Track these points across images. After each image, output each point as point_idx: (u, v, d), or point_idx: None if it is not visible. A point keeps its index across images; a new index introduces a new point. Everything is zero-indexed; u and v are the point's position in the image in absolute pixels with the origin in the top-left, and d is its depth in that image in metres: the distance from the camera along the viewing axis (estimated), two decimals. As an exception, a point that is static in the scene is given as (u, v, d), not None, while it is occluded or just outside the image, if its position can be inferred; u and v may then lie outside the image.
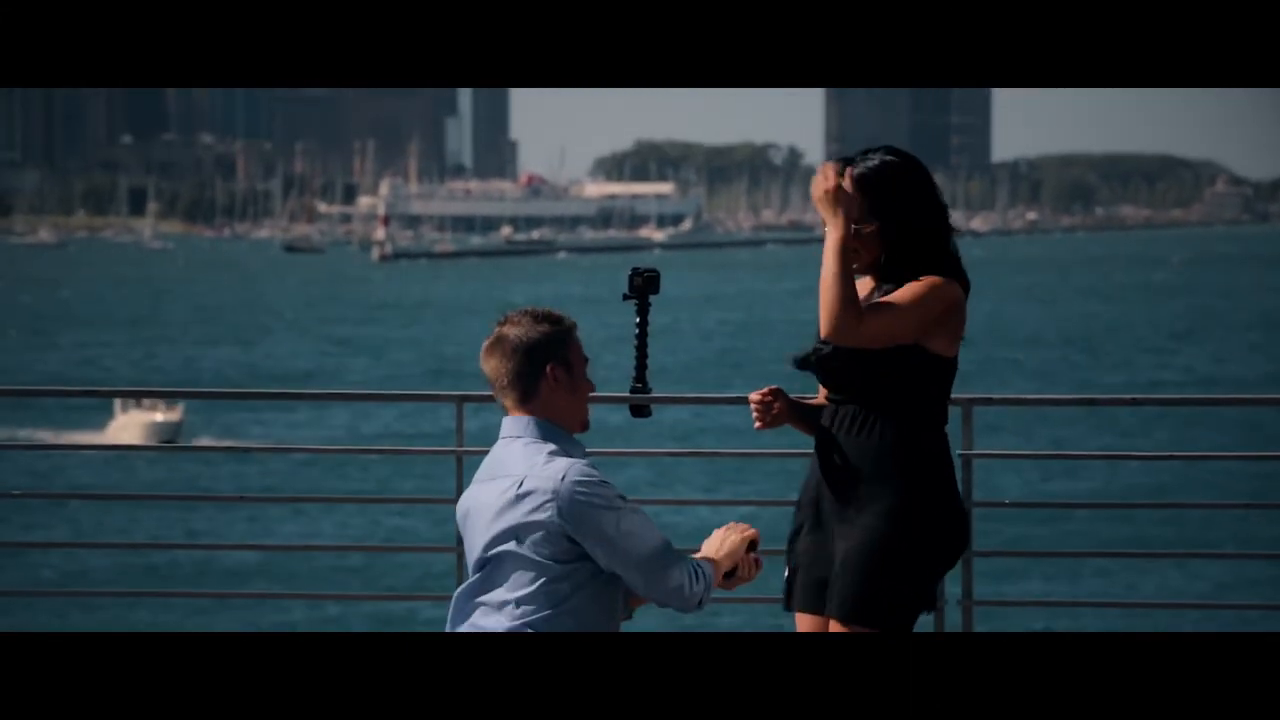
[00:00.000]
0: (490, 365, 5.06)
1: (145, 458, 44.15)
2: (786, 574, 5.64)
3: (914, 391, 5.45)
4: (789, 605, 5.63)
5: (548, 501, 4.90)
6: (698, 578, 5.02)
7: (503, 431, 5.06)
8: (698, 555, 5.18)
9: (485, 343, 5.08)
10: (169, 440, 46.07)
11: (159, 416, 47.49)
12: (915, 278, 5.41)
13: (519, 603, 4.91)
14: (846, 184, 5.42)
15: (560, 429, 5.03)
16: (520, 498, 4.93)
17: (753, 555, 5.24)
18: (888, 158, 5.47)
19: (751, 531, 5.25)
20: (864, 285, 5.53)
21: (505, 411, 5.11)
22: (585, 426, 5.11)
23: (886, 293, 5.43)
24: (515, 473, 4.97)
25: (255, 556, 32.13)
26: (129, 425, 46.97)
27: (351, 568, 31.25)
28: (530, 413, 5.03)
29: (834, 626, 5.46)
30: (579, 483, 4.91)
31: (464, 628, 5.02)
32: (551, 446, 4.98)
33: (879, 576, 5.39)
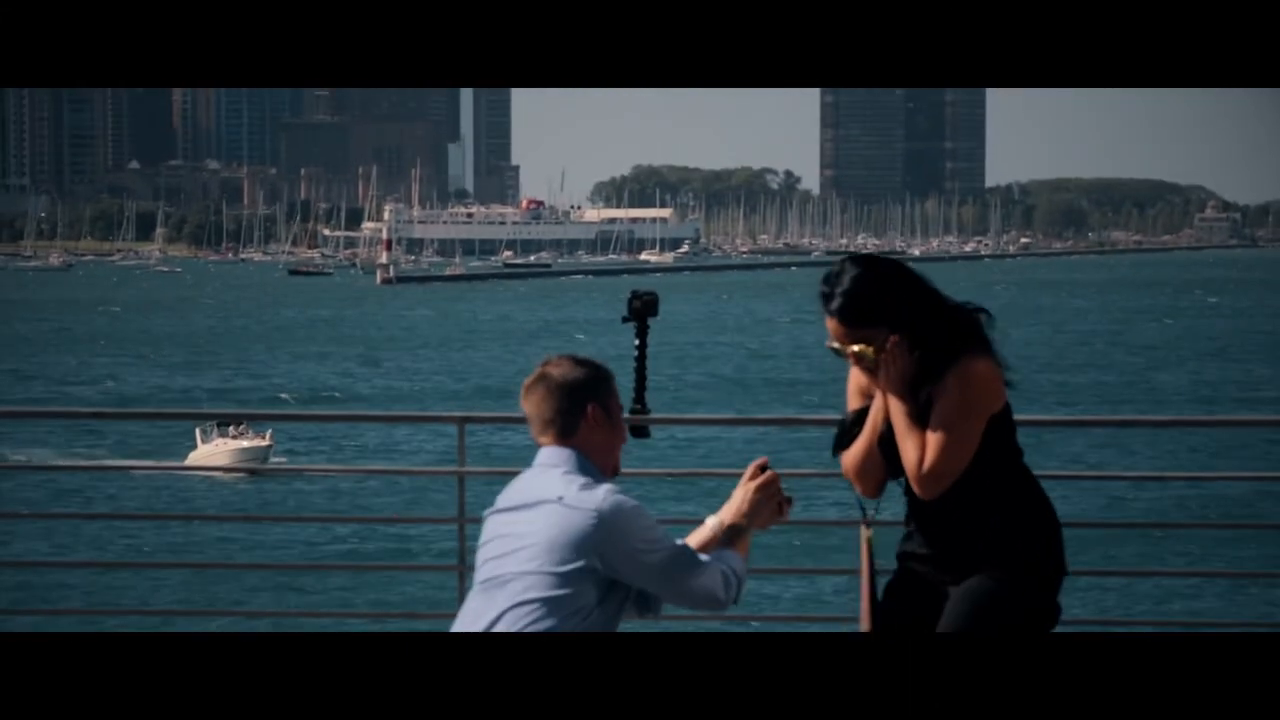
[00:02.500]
0: (531, 402, 5.08)
1: (172, 481, 44.28)
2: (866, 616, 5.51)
3: (990, 454, 5.35)
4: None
5: (589, 523, 4.90)
6: (729, 582, 5.06)
7: (539, 459, 5.07)
8: (721, 516, 5.20)
9: (526, 381, 5.09)
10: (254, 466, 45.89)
11: (245, 444, 47.28)
12: (952, 360, 5.30)
13: (529, 623, 4.90)
14: (834, 330, 5.35)
15: (595, 466, 5.04)
16: (558, 519, 4.94)
17: (778, 501, 5.21)
18: (856, 275, 5.31)
19: (775, 493, 5.21)
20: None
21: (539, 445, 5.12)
22: (616, 471, 5.11)
23: (931, 394, 5.32)
24: (552, 496, 4.97)
25: (252, 574, 31.91)
26: (216, 453, 46.69)
27: (353, 585, 30.98)
28: (569, 447, 5.07)
29: None
30: (619, 505, 4.93)
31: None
32: (588, 479, 4.99)
33: (991, 612, 5.32)
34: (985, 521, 5.34)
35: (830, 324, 5.34)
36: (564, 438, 5.06)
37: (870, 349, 5.31)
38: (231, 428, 48.16)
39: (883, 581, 5.51)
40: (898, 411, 5.32)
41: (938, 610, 5.36)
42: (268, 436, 48.27)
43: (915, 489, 5.31)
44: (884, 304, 5.30)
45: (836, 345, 5.36)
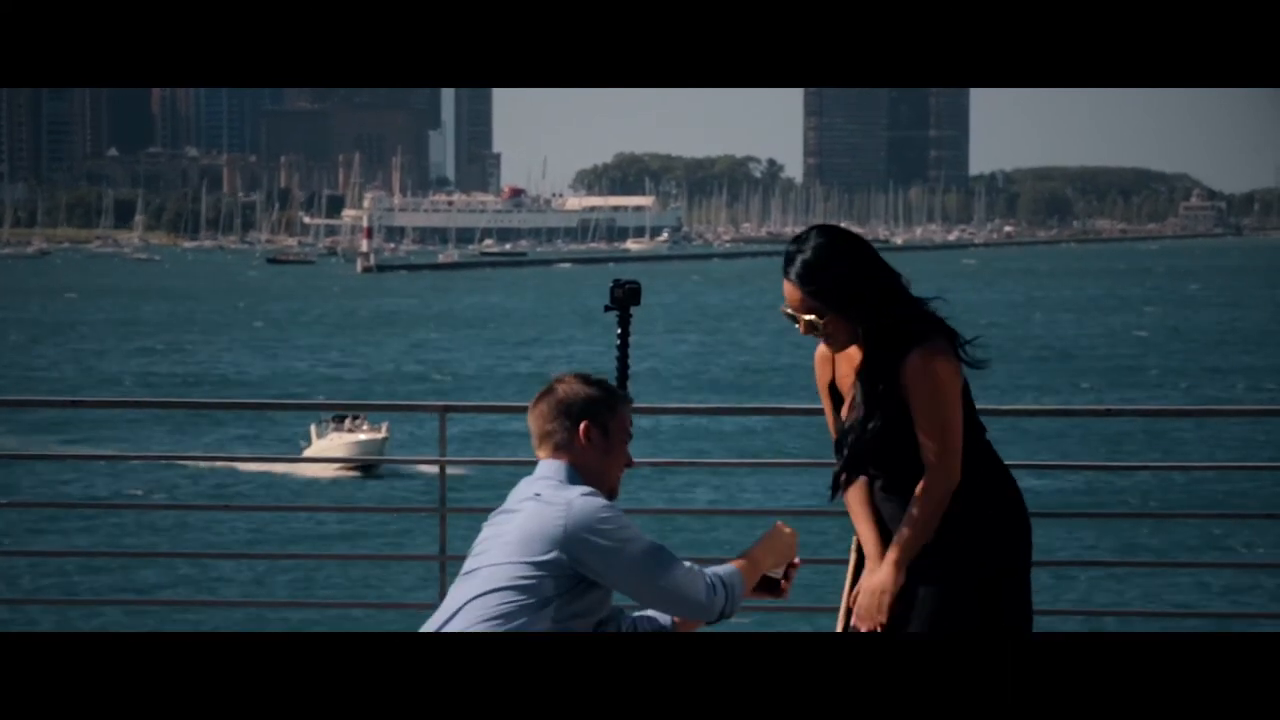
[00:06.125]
0: (533, 415, 5.14)
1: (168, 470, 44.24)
2: (843, 617, 5.63)
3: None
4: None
5: (558, 516, 4.96)
6: (714, 589, 5.06)
7: (536, 472, 5.13)
8: (734, 561, 5.22)
9: (536, 395, 5.16)
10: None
11: (361, 436, 46.42)
12: (900, 338, 5.42)
13: (488, 611, 4.94)
14: (793, 295, 5.47)
15: (586, 484, 5.07)
16: (532, 513, 5.00)
17: (787, 557, 5.32)
18: (819, 243, 5.45)
19: (790, 544, 5.33)
20: (852, 358, 5.55)
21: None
22: (614, 494, 5.12)
23: (880, 364, 5.45)
24: (530, 495, 5.05)
25: (240, 564, 32.41)
26: (332, 447, 45.70)
27: (335, 575, 31.16)
28: (562, 461, 5.11)
29: None
30: (590, 501, 4.99)
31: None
32: (581, 488, 5.05)
33: (953, 591, 5.43)
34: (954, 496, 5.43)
35: (786, 287, 5.46)
36: (558, 452, 5.09)
37: (821, 320, 5.41)
38: (347, 420, 47.32)
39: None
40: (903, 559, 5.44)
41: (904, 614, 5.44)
42: (383, 429, 47.24)
43: (942, 480, 5.38)
44: (839, 273, 5.40)
45: (790, 311, 5.47)
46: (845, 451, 5.54)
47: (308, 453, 45.62)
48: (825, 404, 5.66)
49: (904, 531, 5.45)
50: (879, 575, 5.46)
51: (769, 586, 5.33)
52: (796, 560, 5.35)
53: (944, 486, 5.39)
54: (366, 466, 44.02)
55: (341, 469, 44.67)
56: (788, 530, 5.33)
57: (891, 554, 5.46)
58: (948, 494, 5.40)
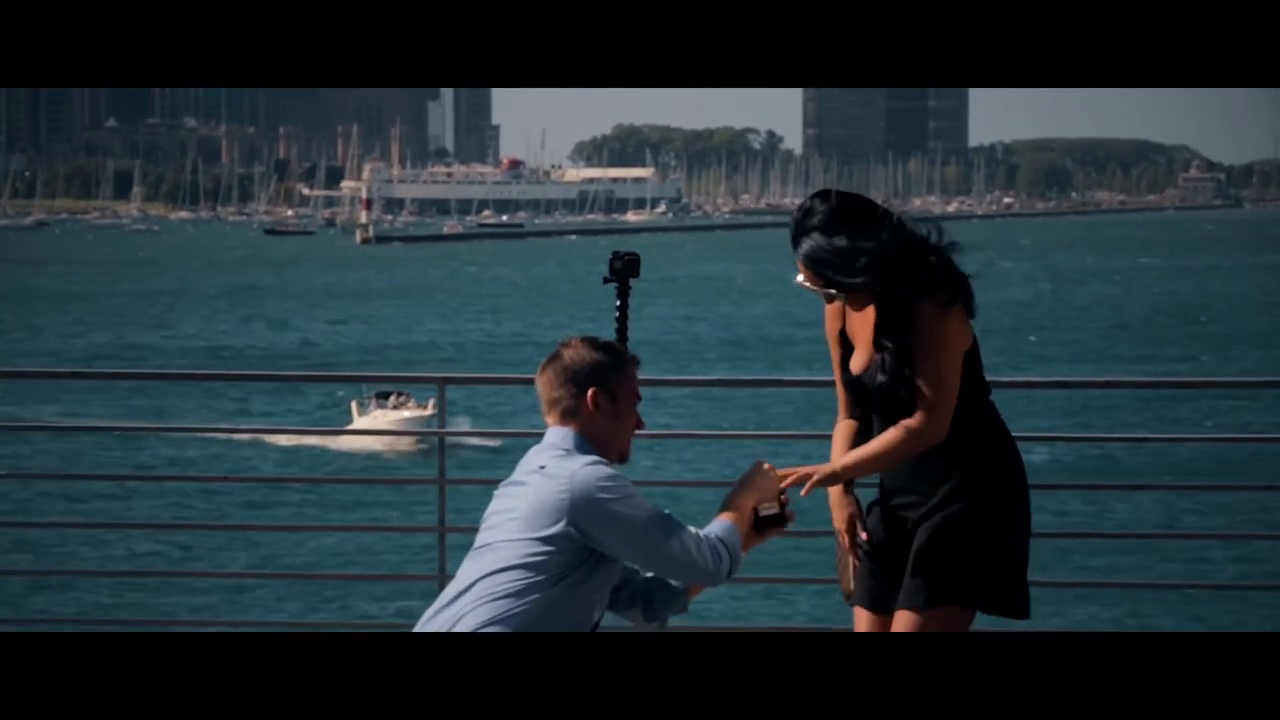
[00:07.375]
0: (540, 381, 5.11)
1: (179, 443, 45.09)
2: (851, 568, 5.71)
3: (960, 388, 5.53)
4: (850, 599, 5.71)
5: (563, 488, 4.93)
6: (717, 552, 5.03)
7: (544, 440, 5.10)
8: (724, 515, 5.19)
9: (543, 361, 5.15)
10: (421, 439, 43.67)
11: (406, 414, 45.43)
12: (915, 292, 5.43)
13: (499, 589, 4.94)
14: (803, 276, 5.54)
15: (595, 450, 5.05)
16: (538, 486, 4.97)
17: (777, 491, 5.28)
18: (822, 223, 5.46)
19: (774, 478, 5.29)
20: (867, 319, 5.59)
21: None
22: (624, 459, 5.11)
23: (892, 319, 5.49)
24: (536, 467, 5.03)
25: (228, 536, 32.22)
26: (377, 426, 44.76)
27: (335, 549, 30.97)
28: (571, 429, 5.09)
29: (904, 618, 5.49)
30: (593, 471, 4.96)
31: (437, 618, 5.02)
32: (587, 457, 5.03)
33: (955, 559, 5.46)
34: (951, 446, 5.42)
35: (799, 264, 5.46)
36: (566, 419, 5.07)
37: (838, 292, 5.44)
38: (392, 398, 46.29)
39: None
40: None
41: (907, 546, 5.49)
42: (430, 405, 45.51)
43: (927, 431, 5.38)
44: (847, 252, 5.38)
45: (807, 285, 5.46)
46: (852, 396, 5.62)
47: (358, 425, 44.64)
48: (834, 352, 5.67)
49: (867, 449, 5.51)
50: (821, 465, 5.53)
51: (769, 524, 5.25)
52: (786, 504, 5.30)
53: (926, 438, 5.43)
54: (421, 440, 43.40)
55: (393, 443, 43.94)
56: (765, 465, 5.28)
57: (843, 459, 5.54)
58: (926, 446, 5.43)
